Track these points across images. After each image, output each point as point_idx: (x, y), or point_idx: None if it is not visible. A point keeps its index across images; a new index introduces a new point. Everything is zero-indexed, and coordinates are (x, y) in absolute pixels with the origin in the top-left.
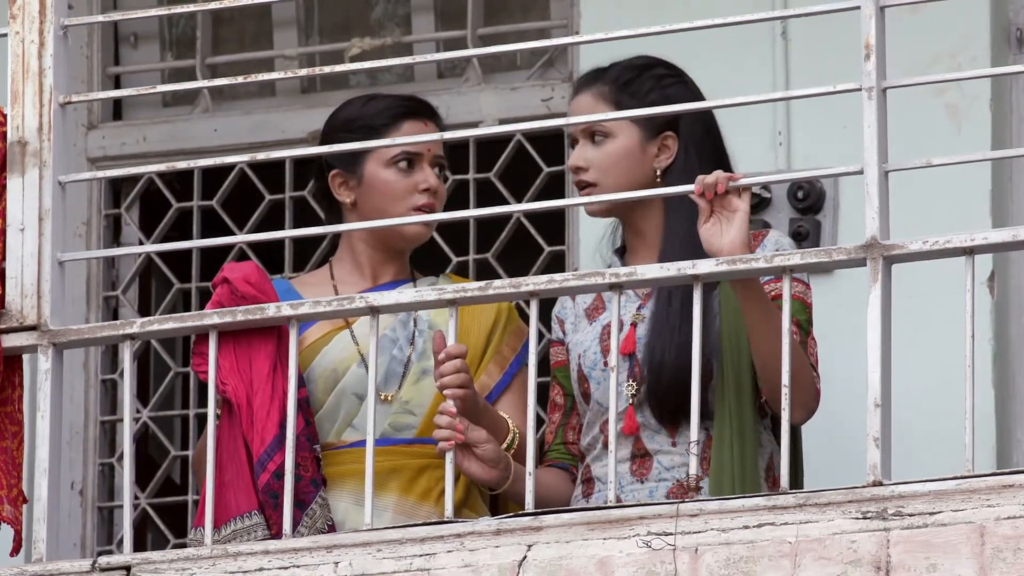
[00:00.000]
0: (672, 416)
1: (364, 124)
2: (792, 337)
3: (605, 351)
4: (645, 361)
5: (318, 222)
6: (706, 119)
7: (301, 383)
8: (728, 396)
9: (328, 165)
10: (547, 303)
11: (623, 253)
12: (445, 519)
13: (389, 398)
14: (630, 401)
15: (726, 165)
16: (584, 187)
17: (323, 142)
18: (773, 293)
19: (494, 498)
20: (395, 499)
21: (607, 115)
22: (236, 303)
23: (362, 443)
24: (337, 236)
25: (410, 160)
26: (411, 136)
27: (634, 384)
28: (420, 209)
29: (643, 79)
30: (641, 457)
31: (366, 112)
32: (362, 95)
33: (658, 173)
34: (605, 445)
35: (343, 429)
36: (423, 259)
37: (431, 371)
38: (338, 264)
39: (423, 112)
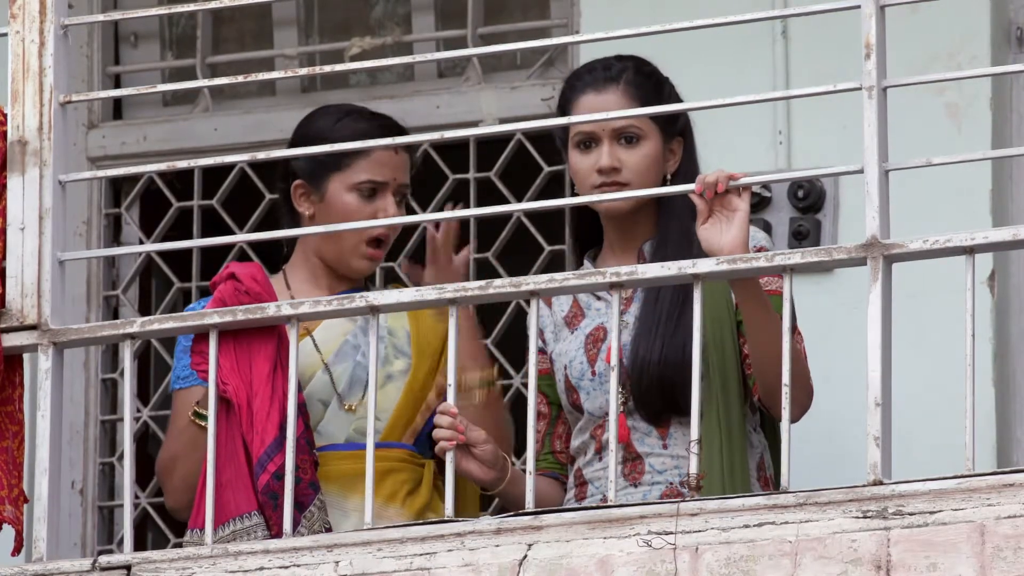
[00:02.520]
0: (657, 417)
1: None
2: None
3: (592, 360)
4: (629, 365)
5: (283, 223)
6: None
7: (300, 386)
8: (715, 396)
9: (293, 174)
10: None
11: (586, 250)
12: (446, 518)
13: (353, 407)
14: (620, 409)
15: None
16: (613, 187)
17: (293, 146)
18: (765, 290)
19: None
20: (361, 500)
21: (585, 116)
22: (239, 300)
23: (327, 448)
24: (293, 242)
25: (374, 188)
26: (406, 137)
27: (623, 392)
28: (375, 240)
29: (661, 83)
30: (633, 460)
31: (338, 134)
32: (338, 106)
33: (667, 178)
34: (597, 450)
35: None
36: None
37: (395, 376)
38: (292, 272)
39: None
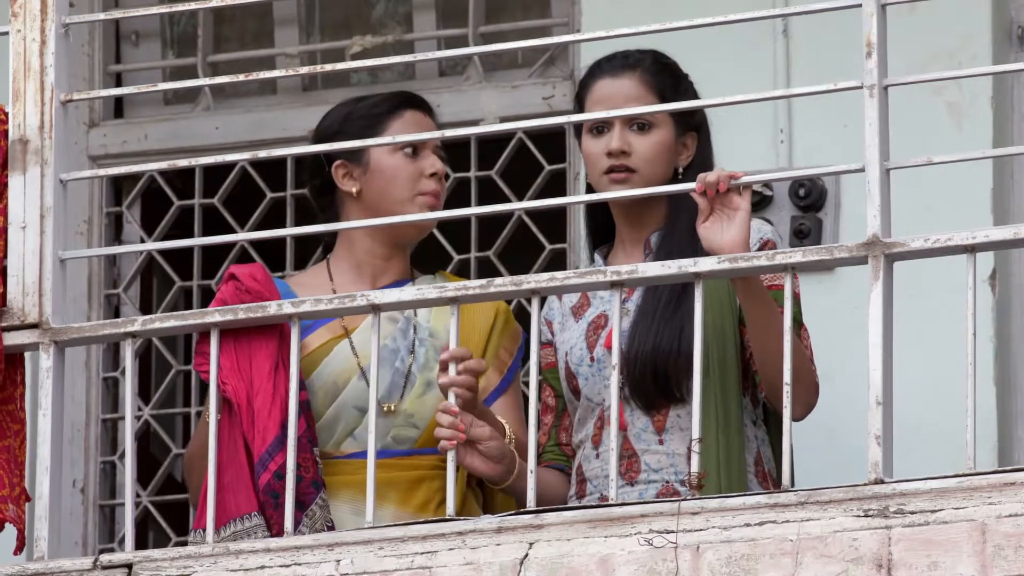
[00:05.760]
0: (651, 405)
1: (363, 115)
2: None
3: (591, 347)
4: (626, 351)
5: (319, 220)
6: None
7: (302, 385)
8: (713, 388)
9: (330, 158)
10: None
11: (599, 245)
12: (447, 517)
13: (391, 408)
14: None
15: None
16: (621, 171)
17: (319, 136)
18: (767, 284)
19: (485, 502)
20: (393, 511)
21: (593, 114)
22: (240, 300)
23: (361, 454)
24: (332, 236)
25: (415, 146)
26: (410, 135)
27: (620, 379)
28: (428, 195)
29: (680, 77)
30: (629, 458)
31: (362, 106)
32: (349, 98)
33: (679, 171)
34: (595, 444)
35: (343, 440)
36: (425, 256)
37: (435, 384)
38: (336, 264)
39: (421, 103)
